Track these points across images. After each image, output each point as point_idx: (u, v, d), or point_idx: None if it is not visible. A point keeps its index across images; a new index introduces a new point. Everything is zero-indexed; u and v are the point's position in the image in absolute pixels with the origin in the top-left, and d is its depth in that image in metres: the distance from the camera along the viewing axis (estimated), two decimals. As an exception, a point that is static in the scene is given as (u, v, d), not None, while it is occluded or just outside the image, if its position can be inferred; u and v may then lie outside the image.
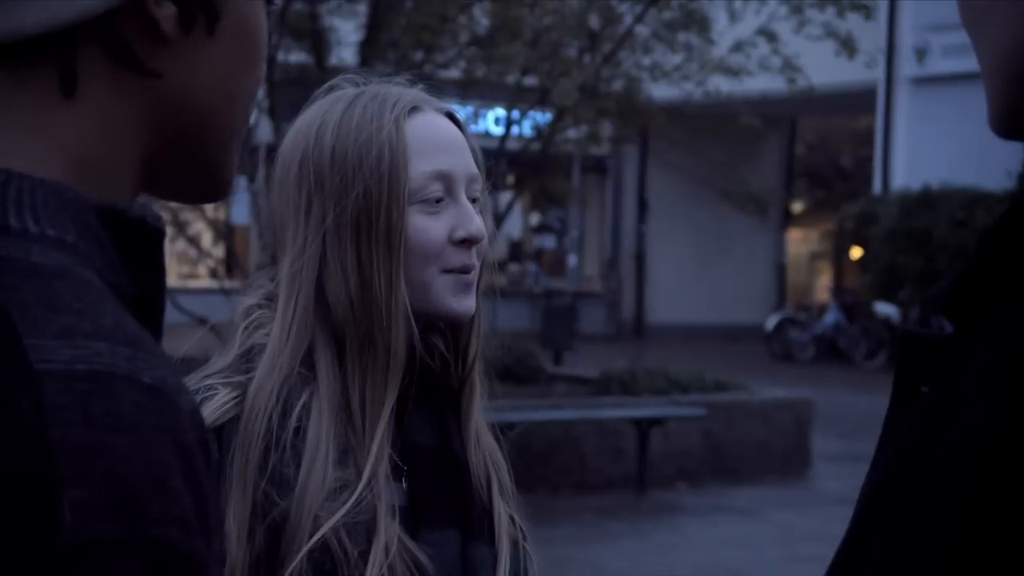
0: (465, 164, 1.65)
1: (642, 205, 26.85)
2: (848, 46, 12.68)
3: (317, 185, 1.60)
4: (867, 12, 12.76)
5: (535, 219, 27.61)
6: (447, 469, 1.65)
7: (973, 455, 0.77)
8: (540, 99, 12.55)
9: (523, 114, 13.33)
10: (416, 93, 1.66)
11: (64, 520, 0.67)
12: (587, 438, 10.51)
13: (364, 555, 1.52)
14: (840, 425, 12.76)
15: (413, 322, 1.60)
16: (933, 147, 18.52)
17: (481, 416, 1.71)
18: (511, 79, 12.50)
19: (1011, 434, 0.76)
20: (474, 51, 12.44)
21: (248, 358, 1.59)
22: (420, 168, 1.60)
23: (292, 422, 1.54)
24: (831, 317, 23.53)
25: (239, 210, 13.78)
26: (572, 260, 26.54)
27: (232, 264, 13.58)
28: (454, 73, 12.46)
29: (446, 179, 1.63)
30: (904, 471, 0.84)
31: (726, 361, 18.61)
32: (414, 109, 1.63)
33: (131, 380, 0.71)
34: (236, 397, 1.56)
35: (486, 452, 1.70)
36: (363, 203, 1.58)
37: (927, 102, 18.77)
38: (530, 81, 12.64)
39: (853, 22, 12.88)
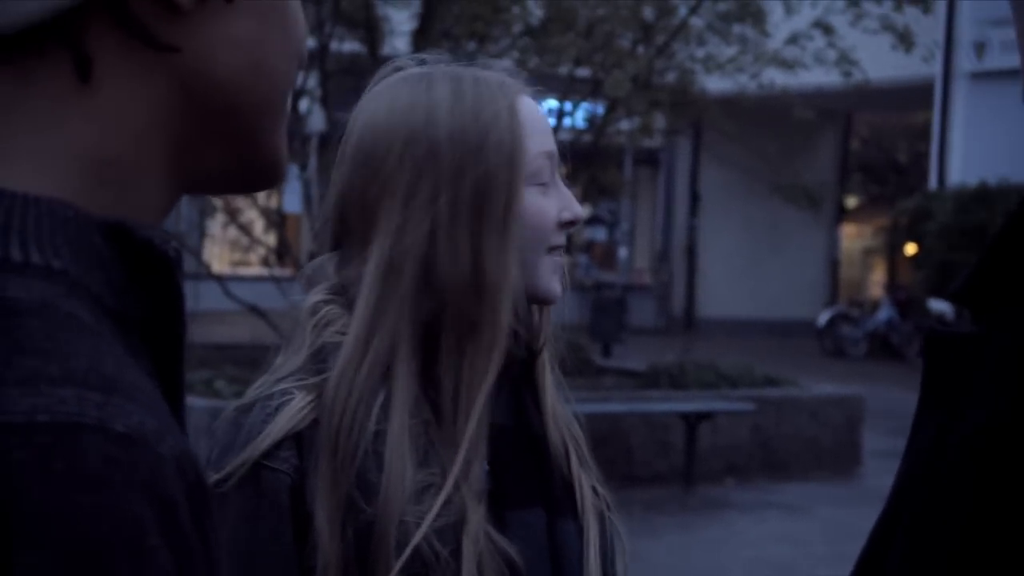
0: (553, 145, 1.67)
1: (694, 198, 26.86)
2: (905, 40, 12.59)
3: (429, 165, 1.56)
4: (925, 6, 12.67)
5: (586, 211, 27.63)
6: (527, 446, 1.65)
7: (976, 454, 0.76)
8: (593, 90, 12.58)
9: (575, 105, 13.37)
10: (514, 75, 1.67)
11: None
12: (635, 431, 10.53)
13: (455, 554, 1.51)
14: (891, 422, 12.68)
15: (518, 306, 1.60)
16: (990, 143, 18.41)
17: (555, 390, 1.71)
18: (564, 70, 12.51)
19: (1012, 433, 0.75)
20: (527, 41, 12.47)
21: (321, 358, 1.54)
22: (534, 149, 1.61)
23: (371, 426, 1.51)
24: (884, 313, 23.51)
25: (291, 198, 13.98)
26: (623, 252, 26.66)
27: (283, 252, 13.74)
28: (507, 63, 12.49)
29: (551, 159, 1.65)
30: (921, 470, 0.84)
31: (776, 356, 18.61)
32: (519, 91, 1.64)
33: (101, 430, 0.65)
34: (312, 401, 1.52)
35: (562, 425, 1.70)
36: (483, 184, 1.56)
37: (985, 97, 18.66)
38: (583, 72, 12.66)
39: (911, 15, 12.78)
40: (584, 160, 14.58)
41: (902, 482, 0.86)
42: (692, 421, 10.40)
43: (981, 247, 0.86)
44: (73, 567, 0.63)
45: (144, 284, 0.76)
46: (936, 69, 19.51)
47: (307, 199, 12.12)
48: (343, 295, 1.58)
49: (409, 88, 1.61)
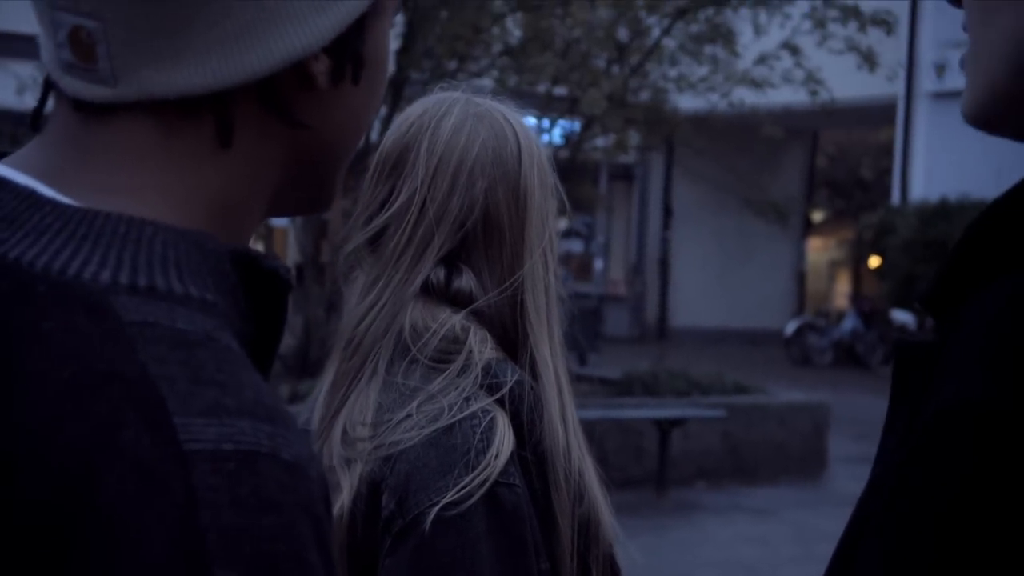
0: None
1: (667, 212, 26.89)
2: (869, 60, 12.76)
3: (542, 188, 1.65)
4: (888, 27, 12.78)
5: (563, 224, 27.56)
6: None
7: (942, 435, 0.77)
8: (569, 108, 12.64)
9: (553, 122, 13.35)
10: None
11: None
12: (610, 437, 10.50)
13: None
14: (856, 428, 12.68)
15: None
16: (951, 160, 18.47)
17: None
18: (542, 88, 12.58)
19: (974, 411, 0.75)
20: (506, 61, 12.52)
21: (492, 373, 1.53)
22: None
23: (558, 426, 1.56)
24: (849, 323, 23.60)
25: (277, 212, 13.89)
26: (598, 264, 26.27)
27: (269, 263, 13.68)
28: (487, 82, 12.44)
29: None
30: (888, 469, 0.84)
31: (746, 365, 18.64)
32: None
33: (273, 458, 0.71)
34: (508, 418, 1.52)
35: None
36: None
37: (945, 116, 18.56)
38: (560, 91, 12.73)
39: (874, 37, 12.94)
40: (561, 175, 14.67)
41: (872, 481, 0.87)
42: (665, 427, 10.44)
43: (942, 259, 0.88)
44: None
45: (261, 307, 0.82)
46: (899, 89, 19.64)
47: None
48: (459, 309, 1.57)
49: (502, 118, 1.65)
